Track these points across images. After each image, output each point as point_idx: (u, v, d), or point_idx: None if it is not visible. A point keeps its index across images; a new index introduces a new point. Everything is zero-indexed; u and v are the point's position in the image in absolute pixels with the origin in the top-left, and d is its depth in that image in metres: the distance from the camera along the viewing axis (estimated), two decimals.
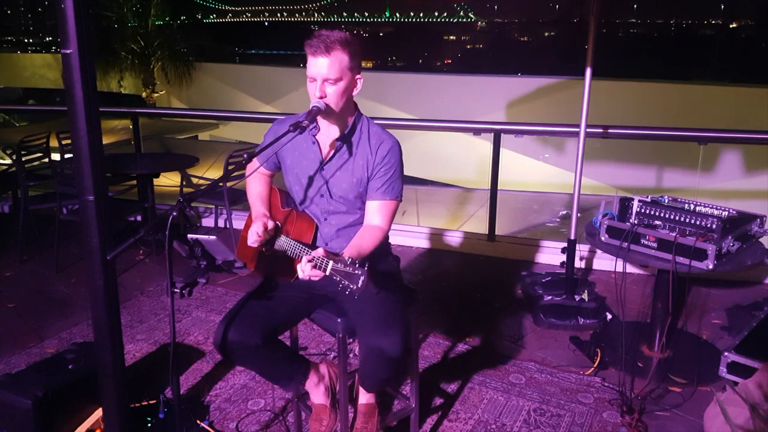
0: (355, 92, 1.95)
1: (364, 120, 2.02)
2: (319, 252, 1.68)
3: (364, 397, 2.24)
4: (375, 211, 1.98)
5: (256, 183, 2.15)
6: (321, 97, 1.85)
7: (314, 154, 2.01)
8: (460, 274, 4.18)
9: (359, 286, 1.59)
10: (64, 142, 4.97)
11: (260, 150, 1.88)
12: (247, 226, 2.12)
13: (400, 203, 2.04)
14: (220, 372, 2.84)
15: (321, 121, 1.98)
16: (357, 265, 1.61)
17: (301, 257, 1.85)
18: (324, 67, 1.83)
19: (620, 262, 2.72)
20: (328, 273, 1.64)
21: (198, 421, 2.43)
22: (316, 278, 1.69)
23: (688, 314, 3.42)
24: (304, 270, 1.69)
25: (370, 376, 2.10)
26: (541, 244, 4.38)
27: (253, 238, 1.92)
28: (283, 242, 1.96)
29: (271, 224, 1.94)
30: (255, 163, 2.12)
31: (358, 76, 1.93)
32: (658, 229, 2.67)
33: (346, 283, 1.61)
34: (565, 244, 3.52)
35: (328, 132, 1.99)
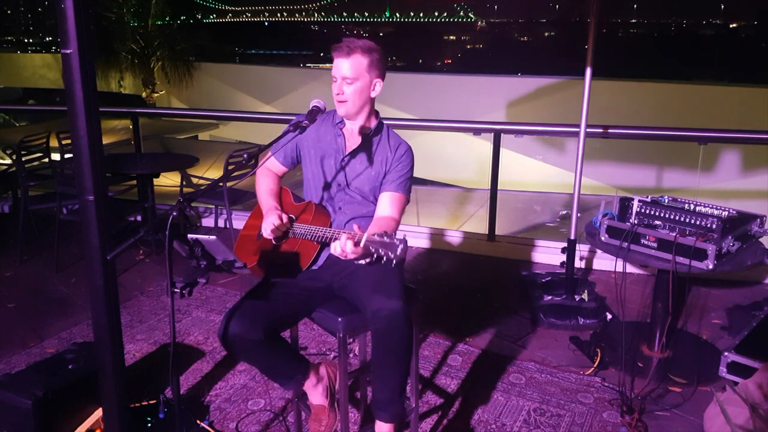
0: (373, 94, 2.08)
1: (385, 125, 2.20)
2: (355, 228, 1.73)
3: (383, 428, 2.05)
4: (387, 202, 2.11)
5: (266, 180, 2.24)
6: (338, 94, 2.02)
7: (339, 146, 2.15)
8: (460, 274, 4.18)
9: (398, 253, 1.64)
10: (64, 142, 4.97)
11: (273, 142, 2.02)
12: (248, 225, 2.14)
13: (407, 203, 2.17)
14: (220, 372, 2.84)
15: (345, 119, 2.14)
16: (394, 236, 1.67)
17: (324, 239, 1.93)
18: (342, 68, 2.00)
19: (620, 262, 2.72)
20: (362, 244, 1.68)
21: (198, 421, 2.43)
22: (355, 256, 1.72)
23: (688, 314, 3.42)
24: (345, 247, 1.71)
25: (383, 373, 1.96)
26: (542, 244, 4.38)
27: (269, 229, 2.00)
28: (303, 229, 2.03)
29: (285, 216, 2.04)
30: (269, 154, 2.23)
31: (377, 80, 2.07)
32: (658, 229, 2.67)
33: (384, 251, 1.65)
34: (565, 244, 3.52)
35: (353, 127, 2.14)
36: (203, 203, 5.18)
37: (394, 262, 1.65)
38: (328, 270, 2.13)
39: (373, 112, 2.15)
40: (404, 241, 1.65)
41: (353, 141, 2.14)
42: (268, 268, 2.12)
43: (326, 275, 2.13)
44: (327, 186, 2.16)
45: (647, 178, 7.58)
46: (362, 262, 1.72)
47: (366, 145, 2.13)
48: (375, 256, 1.67)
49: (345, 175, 2.14)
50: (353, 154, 2.13)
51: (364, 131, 2.13)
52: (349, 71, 2.00)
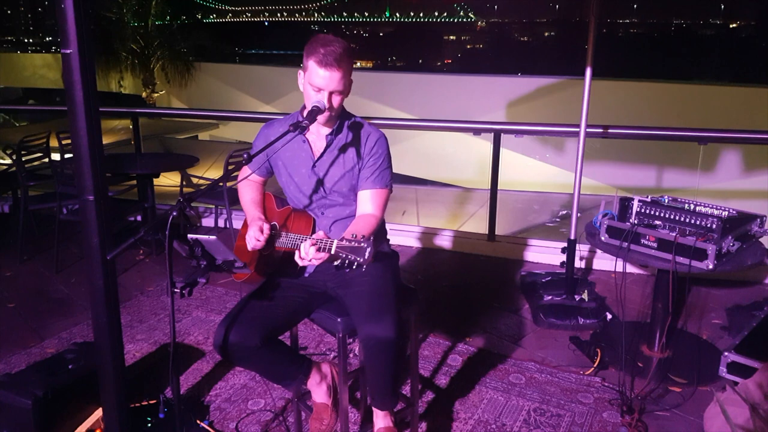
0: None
1: (349, 115, 2.08)
2: (320, 234, 1.72)
3: (382, 421, 2.14)
4: (367, 200, 2.04)
5: (248, 190, 2.20)
6: (329, 108, 1.91)
7: (306, 153, 2.06)
8: (460, 274, 4.17)
9: (366, 257, 1.61)
10: (64, 142, 4.97)
11: (253, 155, 1.90)
12: (242, 235, 2.13)
13: (390, 193, 2.09)
14: (220, 372, 2.84)
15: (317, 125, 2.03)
16: (362, 239, 1.64)
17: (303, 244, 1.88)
18: (334, 81, 1.88)
19: (620, 262, 2.72)
20: (333, 251, 1.66)
21: (198, 421, 2.43)
22: (319, 261, 1.71)
23: (688, 314, 3.42)
24: (308, 253, 1.70)
25: (376, 380, 2.03)
26: (542, 244, 4.38)
27: (252, 243, 1.95)
28: (284, 239, 1.99)
29: (266, 227, 1.97)
30: (246, 170, 2.16)
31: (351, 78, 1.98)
32: (658, 229, 2.67)
33: (353, 257, 1.63)
34: (565, 244, 3.52)
35: (318, 131, 2.05)
36: (203, 203, 5.18)
37: (364, 267, 1.63)
38: (320, 275, 2.11)
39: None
40: (371, 244, 1.61)
41: (319, 145, 2.05)
42: (265, 272, 2.12)
43: (320, 280, 2.12)
44: (304, 194, 2.09)
45: (647, 178, 7.58)
46: (335, 264, 1.70)
47: (333, 146, 2.04)
48: (347, 261, 1.64)
49: (320, 181, 2.06)
50: (322, 158, 2.04)
51: (329, 132, 2.03)
52: (341, 84, 1.89)
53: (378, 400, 2.11)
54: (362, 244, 1.62)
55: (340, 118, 2.04)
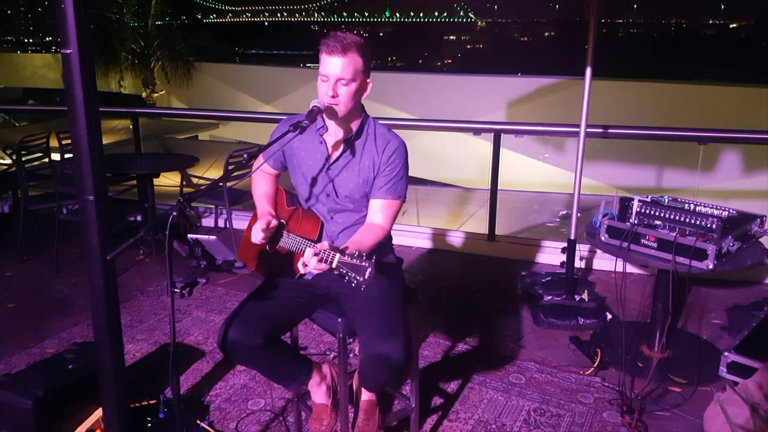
0: (364, 95, 1.96)
1: (371, 121, 2.03)
2: (324, 245, 1.68)
3: (366, 395, 2.26)
4: (377, 210, 2.00)
5: (261, 182, 2.17)
6: (333, 97, 1.86)
7: (321, 154, 2.02)
8: (460, 274, 4.18)
9: (366, 277, 1.59)
10: (64, 142, 4.97)
11: (265, 147, 1.92)
12: (251, 226, 2.13)
13: (403, 203, 2.05)
14: (220, 372, 2.84)
15: (329, 122, 1.99)
16: (364, 257, 1.61)
17: (305, 252, 1.86)
18: (338, 67, 1.84)
19: (620, 262, 2.72)
20: (334, 266, 1.64)
21: (198, 421, 2.43)
22: (319, 271, 1.68)
23: (688, 314, 3.42)
24: (309, 263, 1.66)
25: (371, 379, 2.13)
26: (541, 244, 4.38)
27: (258, 236, 1.94)
28: (288, 239, 1.97)
29: (274, 222, 1.95)
30: (260, 159, 2.16)
31: (368, 80, 1.94)
32: (658, 229, 2.67)
33: (353, 275, 1.60)
34: (565, 244, 3.52)
35: (335, 133, 2.01)
36: (203, 203, 5.18)
37: (363, 287, 1.60)
38: (323, 279, 2.08)
39: (359, 113, 1.99)
40: (372, 264, 1.59)
41: (336, 148, 2.00)
42: (267, 271, 2.11)
43: (323, 283, 2.10)
44: (315, 196, 2.05)
45: (647, 178, 7.59)
46: (334, 273, 1.68)
47: (350, 151, 1.99)
48: (346, 277, 1.62)
49: (333, 185, 2.01)
50: (337, 162, 2.00)
51: (347, 135, 1.98)
52: (345, 71, 1.84)
53: (367, 385, 2.22)
54: (364, 264, 1.59)
55: (361, 121, 2.00)
